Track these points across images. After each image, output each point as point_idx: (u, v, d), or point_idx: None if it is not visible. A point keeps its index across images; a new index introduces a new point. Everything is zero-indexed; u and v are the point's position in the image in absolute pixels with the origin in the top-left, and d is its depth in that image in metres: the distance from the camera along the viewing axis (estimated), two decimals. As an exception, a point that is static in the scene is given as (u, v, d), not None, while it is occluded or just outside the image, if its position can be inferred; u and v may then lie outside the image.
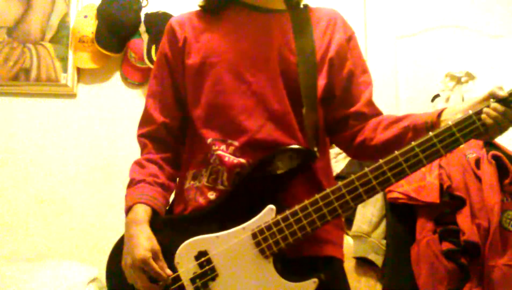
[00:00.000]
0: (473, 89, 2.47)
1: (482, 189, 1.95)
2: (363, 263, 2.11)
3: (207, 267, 1.12)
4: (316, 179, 1.20)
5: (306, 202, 1.09)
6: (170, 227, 1.20)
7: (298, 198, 1.12)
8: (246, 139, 1.17)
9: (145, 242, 1.13)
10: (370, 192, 1.07)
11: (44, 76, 2.61)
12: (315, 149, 1.17)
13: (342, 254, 1.26)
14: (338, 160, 2.30)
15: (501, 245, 1.90)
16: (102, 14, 2.62)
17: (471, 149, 2.07)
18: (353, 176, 1.08)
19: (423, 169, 2.03)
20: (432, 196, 1.95)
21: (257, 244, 1.10)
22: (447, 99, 2.53)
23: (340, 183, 1.09)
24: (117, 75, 2.69)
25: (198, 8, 1.33)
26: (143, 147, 1.31)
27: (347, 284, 1.27)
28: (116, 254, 1.22)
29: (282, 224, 1.09)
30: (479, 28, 2.95)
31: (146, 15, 2.64)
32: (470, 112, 1.05)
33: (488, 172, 1.96)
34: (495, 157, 1.99)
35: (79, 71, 2.68)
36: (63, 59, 2.63)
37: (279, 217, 1.10)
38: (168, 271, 1.13)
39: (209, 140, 1.20)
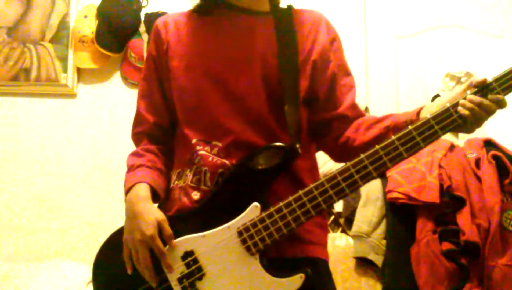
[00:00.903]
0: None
1: (482, 189, 1.95)
2: (363, 263, 2.11)
3: (193, 267, 1.12)
4: (300, 180, 1.21)
5: (291, 198, 1.10)
6: None
7: (281, 197, 1.12)
8: (230, 140, 1.18)
9: (152, 217, 1.13)
10: (352, 186, 1.09)
11: (44, 76, 2.61)
12: (297, 146, 1.17)
13: (326, 255, 1.27)
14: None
15: (501, 245, 1.90)
16: (102, 14, 2.62)
17: (471, 149, 2.07)
18: (335, 171, 1.10)
19: (423, 169, 2.05)
20: (432, 196, 1.95)
21: (243, 241, 1.10)
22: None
23: (323, 178, 1.10)
24: (117, 75, 2.70)
25: (188, 10, 1.34)
26: (138, 142, 1.33)
27: (332, 284, 1.27)
28: (108, 248, 1.23)
29: (267, 221, 1.10)
30: (479, 28, 2.96)
31: (146, 15, 2.64)
32: (448, 104, 1.08)
33: (488, 172, 1.96)
34: (495, 157, 1.99)
35: (79, 71, 2.68)
36: (63, 59, 2.64)
37: (264, 214, 1.10)
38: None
39: (193, 140, 1.21)
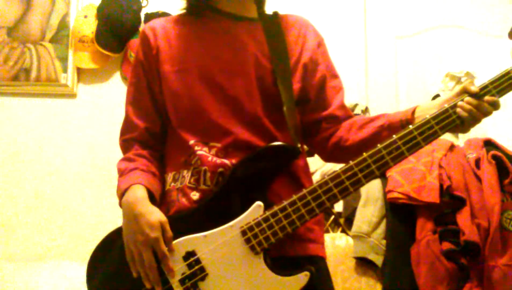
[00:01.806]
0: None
1: (482, 189, 1.95)
2: (363, 263, 2.11)
3: (196, 267, 1.11)
4: (297, 178, 1.23)
5: (295, 197, 1.11)
6: None
7: (281, 196, 1.14)
8: (229, 141, 1.18)
9: (155, 218, 1.12)
10: (356, 185, 1.11)
11: (44, 76, 2.62)
12: (299, 145, 1.19)
13: (324, 253, 1.28)
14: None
15: (501, 245, 1.90)
16: (102, 14, 2.62)
17: (471, 149, 2.07)
18: (339, 170, 1.11)
19: (423, 169, 2.05)
20: (432, 196, 1.95)
21: (247, 241, 1.10)
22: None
23: (326, 177, 1.11)
24: (117, 75, 2.70)
25: (174, 15, 1.35)
26: (128, 147, 1.32)
27: (331, 282, 1.28)
28: (102, 250, 1.22)
29: (272, 220, 1.10)
30: (479, 28, 2.96)
31: (146, 15, 2.64)
32: (446, 105, 1.13)
33: (488, 172, 1.96)
34: (495, 157, 1.99)
35: (79, 71, 2.68)
36: (63, 59, 2.64)
37: (268, 213, 1.11)
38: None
39: (191, 142, 1.21)
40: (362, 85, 2.87)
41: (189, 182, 1.19)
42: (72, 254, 2.46)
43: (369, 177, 1.10)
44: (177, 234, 1.13)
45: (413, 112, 1.19)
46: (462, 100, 1.12)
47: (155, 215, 1.13)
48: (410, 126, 1.11)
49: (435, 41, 2.94)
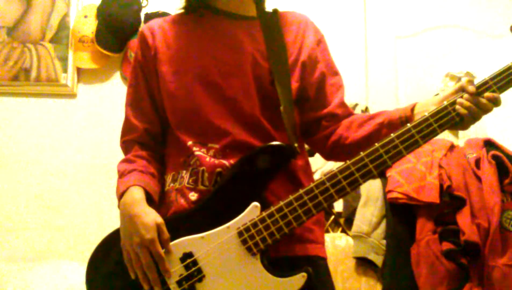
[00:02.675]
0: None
1: (482, 189, 1.95)
2: (363, 263, 2.11)
3: (193, 269, 1.11)
4: (296, 177, 1.22)
5: (291, 197, 1.10)
6: None
7: (279, 196, 1.13)
8: (226, 141, 1.18)
9: (151, 220, 1.13)
10: (353, 184, 1.10)
11: (44, 76, 2.61)
12: (296, 145, 1.18)
13: (324, 253, 1.27)
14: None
15: (501, 245, 1.91)
16: (102, 14, 2.62)
17: (471, 149, 2.07)
18: (335, 170, 1.10)
19: (423, 169, 2.05)
20: (432, 196, 1.95)
21: (244, 242, 1.10)
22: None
23: (323, 177, 1.10)
24: (117, 75, 2.69)
25: (172, 14, 1.35)
26: (128, 149, 1.32)
27: (331, 282, 1.27)
28: (101, 252, 1.23)
29: (268, 221, 1.10)
30: (479, 28, 2.96)
31: (146, 15, 2.64)
32: (445, 102, 1.10)
33: (488, 172, 1.96)
34: (495, 157, 1.99)
35: (79, 71, 2.68)
36: (63, 59, 2.63)
37: (264, 213, 1.10)
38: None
39: (189, 142, 1.21)
40: (362, 85, 2.87)
41: (188, 183, 1.19)
42: (72, 254, 2.46)
43: (366, 176, 1.09)
44: (175, 235, 1.13)
45: (412, 109, 1.18)
46: (462, 97, 1.10)
47: (151, 216, 1.13)
48: (408, 124, 1.10)
49: (435, 41, 2.94)
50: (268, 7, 1.35)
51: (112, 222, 1.27)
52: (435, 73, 2.78)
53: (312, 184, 1.11)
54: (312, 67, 1.29)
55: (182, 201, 1.19)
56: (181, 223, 1.15)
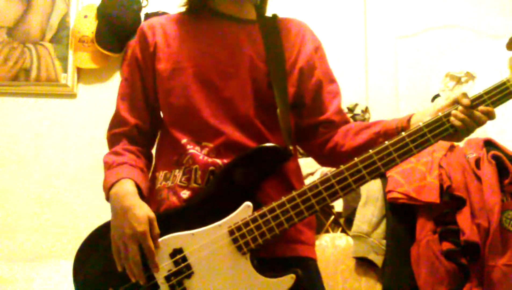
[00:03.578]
0: (473, 89, 2.48)
1: (482, 189, 1.95)
2: (363, 263, 2.11)
3: (182, 265, 1.11)
4: (288, 180, 1.23)
5: (284, 199, 1.11)
6: None
7: (271, 197, 1.14)
8: (220, 141, 1.19)
9: (143, 213, 1.13)
10: (346, 189, 1.11)
11: (44, 76, 2.62)
12: (290, 148, 1.19)
13: (315, 254, 1.28)
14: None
15: (501, 245, 1.90)
16: (102, 14, 2.62)
17: (471, 149, 2.07)
18: (329, 174, 1.11)
19: (423, 169, 2.05)
20: (432, 196, 1.95)
21: (234, 240, 1.10)
22: (448, 99, 2.53)
23: (317, 180, 1.11)
24: (117, 75, 2.70)
25: (172, 14, 1.35)
26: (116, 142, 1.31)
27: (321, 283, 1.28)
28: (89, 246, 1.23)
29: (260, 221, 1.10)
30: (479, 28, 2.96)
31: (146, 15, 2.64)
32: (440, 114, 1.12)
33: (488, 172, 1.96)
34: (495, 157, 1.99)
35: (79, 71, 2.68)
36: (63, 59, 2.64)
37: (256, 213, 1.11)
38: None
39: (183, 140, 1.21)
40: (362, 85, 2.87)
41: (180, 181, 1.19)
42: (72, 254, 2.45)
43: (359, 182, 1.10)
44: (166, 231, 1.13)
45: (409, 120, 1.19)
46: (456, 108, 1.12)
47: (144, 210, 1.14)
48: (403, 133, 1.11)
49: (435, 41, 2.94)
50: (269, 10, 1.36)
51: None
52: (435, 73, 2.78)
53: (305, 187, 1.11)
54: (309, 74, 1.30)
55: (173, 198, 1.19)
56: (173, 219, 1.16)
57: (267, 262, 1.13)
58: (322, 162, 1.39)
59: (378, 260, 2.05)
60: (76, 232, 2.51)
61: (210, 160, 1.17)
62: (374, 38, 2.93)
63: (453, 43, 2.91)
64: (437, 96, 2.61)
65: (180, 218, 1.16)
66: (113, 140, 1.32)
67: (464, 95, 1.13)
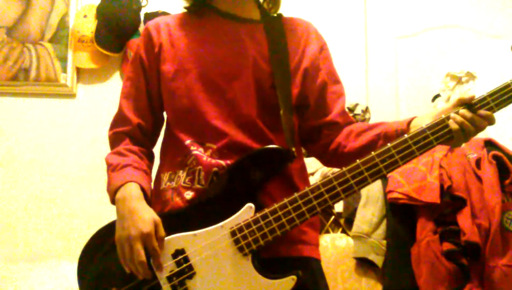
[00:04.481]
0: (473, 89, 2.48)
1: (482, 189, 1.95)
2: (363, 263, 2.11)
3: (184, 265, 1.12)
4: (291, 181, 1.23)
5: (286, 200, 1.11)
6: None
7: (274, 199, 1.14)
8: (224, 142, 1.19)
9: (149, 216, 1.13)
10: (347, 191, 1.10)
11: (43, 76, 2.61)
12: (293, 149, 1.19)
13: (318, 254, 1.27)
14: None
15: (502, 245, 1.91)
16: (101, 14, 2.62)
17: (472, 149, 2.07)
18: (331, 176, 1.11)
19: (423, 169, 2.05)
20: (432, 196, 1.95)
21: (236, 242, 1.11)
22: (448, 99, 2.53)
23: (318, 182, 1.11)
24: (117, 75, 2.69)
25: (178, 13, 1.35)
26: (118, 141, 1.30)
27: (325, 283, 1.27)
28: (93, 246, 1.23)
29: (262, 222, 1.10)
30: (479, 28, 2.96)
31: (146, 14, 2.64)
32: (443, 116, 1.11)
33: (489, 172, 1.96)
34: (495, 157, 1.99)
35: (79, 71, 2.67)
36: (63, 59, 2.63)
37: (258, 215, 1.11)
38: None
39: (187, 141, 1.21)
40: (362, 85, 2.87)
41: (184, 182, 1.19)
42: (72, 254, 2.45)
43: (361, 184, 1.10)
44: (169, 232, 1.14)
45: (409, 123, 1.19)
46: (457, 112, 1.10)
47: (150, 213, 1.14)
48: (406, 135, 1.11)
49: (435, 41, 2.94)
50: (286, 5, 1.36)
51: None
52: (435, 73, 2.78)
53: (307, 188, 1.11)
54: (314, 75, 1.30)
55: (177, 199, 1.19)
56: (176, 220, 1.16)
57: (269, 262, 1.13)
58: (325, 162, 1.38)
59: (378, 260, 2.05)
60: (76, 232, 2.50)
61: (213, 161, 1.17)
62: (374, 38, 2.93)
63: (453, 43, 2.91)
64: (437, 96, 2.61)
65: (184, 219, 1.16)
66: (115, 138, 1.32)
67: (472, 97, 1.12)
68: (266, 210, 1.11)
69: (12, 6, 2.66)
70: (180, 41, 1.27)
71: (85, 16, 2.64)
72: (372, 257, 2.05)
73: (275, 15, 1.34)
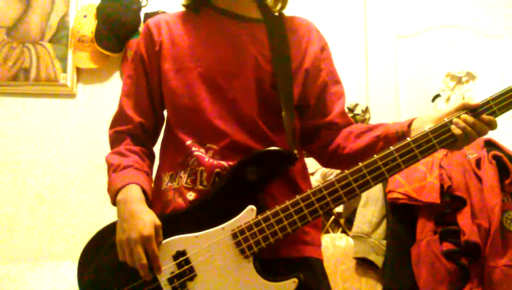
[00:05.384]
0: (473, 89, 2.48)
1: (482, 189, 1.95)
2: (363, 263, 2.11)
3: (185, 267, 1.11)
4: (294, 181, 1.22)
5: (288, 203, 1.10)
6: None
7: (276, 200, 1.14)
8: (225, 143, 1.18)
9: (150, 219, 1.13)
10: (350, 194, 1.10)
11: (43, 76, 2.61)
12: (295, 151, 1.19)
13: (321, 254, 1.27)
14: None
15: (502, 245, 1.91)
16: (101, 13, 2.61)
17: (472, 149, 2.07)
18: (333, 179, 1.10)
19: (423, 169, 2.05)
20: (432, 196, 1.95)
21: (237, 244, 1.10)
22: (448, 99, 2.53)
23: (320, 185, 1.11)
24: (116, 75, 2.69)
25: (178, 11, 1.34)
26: (120, 140, 1.30)
27: (327, 284, 1.27)
28: (93, 248, 1.22)
29: (263, 224, 1.10)
30: (479, 28, 2.96)
31: (146, 15, 2.64)
32: (446, 119, 1.10)
33: (489, 172, 1.96)
34: (495, 157, 2.00)
35: (79, 71, 2.67)
36: (63, 59, 2.63)
37: (260, 217, 1.10)
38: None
39: (188, 142, 1.21)
40: (362, 85, 2.87)
41: (186, 183, 1.18)
42: (72, 254, 2.45)
43: (363, 187, 1.09)
44: (171, 233, 1.13)
45: (409, 125, 1.18)
46: (459, 116, 1.10)
47: (151, 216, 1.14)
48: (408, 139, 1.10)
49: (435, 41, 2.94)
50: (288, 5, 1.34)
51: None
52: (435, 73, 2.78)
53: (309, 191, 1.11)
54: (315, 75, 1.29)
55: (179, 200, 1.18)
56: (177, 221, 1.15)
57: (271, 263, 1.13)
58: (324, 163, 1.38)
59: (378, 260, 2.05)
60: (76, 232, 2.50)
61: (215, 162, 1.17)
62: (374, 38, 2.93)
63: (453, 43, 2.91)
64: (437, 96, 2.61)
65: (186, 220, 1.15)
66: (116, 138, 1.31)
67: (477, 105, 1.11)
68: (268, 212, 1.10)
69: (12, 6, 2.66)
70: (181, 40, 1.26)
71: (85, 16, 2.64)
72: (372, 257, 2.05)
73: (277, 14, 1.33)
